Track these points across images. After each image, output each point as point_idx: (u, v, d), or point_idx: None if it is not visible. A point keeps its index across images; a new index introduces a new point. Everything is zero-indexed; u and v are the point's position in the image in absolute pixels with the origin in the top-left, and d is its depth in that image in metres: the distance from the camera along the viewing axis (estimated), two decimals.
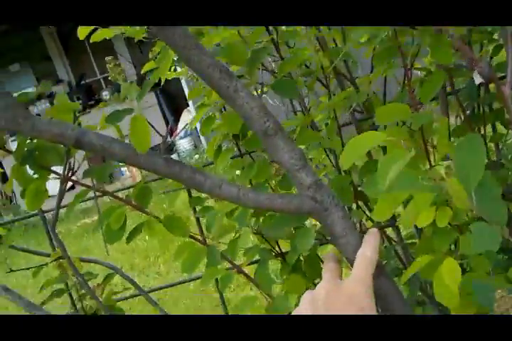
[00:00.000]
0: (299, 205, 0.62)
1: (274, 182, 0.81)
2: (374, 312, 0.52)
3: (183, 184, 0.60)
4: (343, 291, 0.53)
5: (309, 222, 0.73)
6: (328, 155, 1.01)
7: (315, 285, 0.77)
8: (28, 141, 0.61)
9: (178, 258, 0.67)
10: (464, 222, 0.51)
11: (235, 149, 0.87)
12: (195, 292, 2.84)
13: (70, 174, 0.61)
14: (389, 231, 1.11)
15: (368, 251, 0.58)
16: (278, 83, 0.79)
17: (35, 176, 0.62)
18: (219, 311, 2.66)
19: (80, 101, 7.02)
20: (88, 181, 0.68)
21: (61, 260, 0.88)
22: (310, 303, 0.54)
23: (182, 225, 0.65)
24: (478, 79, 0.83)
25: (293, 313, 0.55)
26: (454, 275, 0.50)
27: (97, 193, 0.65)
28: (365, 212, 0.94)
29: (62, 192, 0.59)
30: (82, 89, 7.28)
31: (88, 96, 7.24)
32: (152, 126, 0.59)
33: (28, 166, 0.62)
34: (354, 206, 0.99)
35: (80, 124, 0.60)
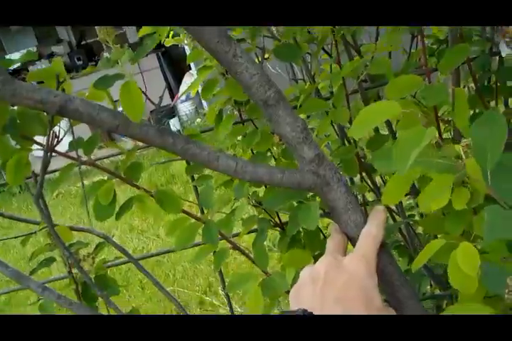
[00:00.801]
0: (300, 180, 0.59)
1: (277, 151, 0.77)
2: (375, 292, 0.50)
3: (177, 155, 0.56)
4: (345, 269, 0.51)
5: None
6: (332, 125, 0.97)
7: (314, 258, 0.75)
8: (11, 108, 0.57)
9: (171, 235, 0.64)
10: (480, 204, 0.48)
11: (237, 115, 0.83)
12: (193, 255, 2.85)
13: (54, 144, 0.57)
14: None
15: (374, 228, 0.56)
16: (280, 48, 0.74)
17: (18, 147, 0.58)
18: (217, 274, 2.69)
19: (81, 62, 6.88)
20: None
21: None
22: (309, 281, 0.52)
23: (174, 201, 0.62)
24: (504, 51, 0.78)
25: (291, 290, 0.53)
26: (471, 260, 0.47)
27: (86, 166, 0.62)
28: (368, 185, 0.90)
29: (45, 163, 0.55)
30: (83, 50, 7.13)
31: (89, 57, 7.09)
32: (144, 93, 0.55)
33: (9, 136, 0.58)
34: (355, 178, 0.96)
35: (64, 90, 0.55)
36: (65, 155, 0.59)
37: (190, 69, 5.99)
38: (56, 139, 0.56)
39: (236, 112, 0.79)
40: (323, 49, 1.08)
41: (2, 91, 0.49)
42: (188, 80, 6.17)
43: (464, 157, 0.44)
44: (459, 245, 0.49)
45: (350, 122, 0.90)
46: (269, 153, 0.78)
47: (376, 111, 0.47)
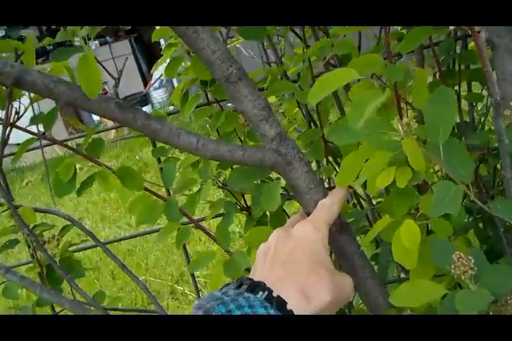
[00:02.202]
0: (262, 158, 0.59)
1: (243, 133, 0.77)
2: (324, 254, 0.50)
3: (138, 131, 0.56)
4: (293, 236, 0.51)
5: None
6: (300, 108, 0.97)
7: None
8: None
9: (133, 212, 0.64)
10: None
11: (203, 96, 0.82)
12: (165, 245, 2.84)
13: (15, 119, 0.56)
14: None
15: (329, 201, 0.56)
16: (245, 27, 0.74)
17: None
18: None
19: (51, 47, 6.74)
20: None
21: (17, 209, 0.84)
22: (262, 255, 0.52)
23: (136, 178, 0.61)
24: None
25: (252, 269, 0.53)
26: (412, 237, 0.49)
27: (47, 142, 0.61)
28: (335, 168, 0.91)
29: (4, 139, 0.54)
30: (52, 34, 6.97)
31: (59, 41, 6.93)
32: (117, 79, 0.54)
33: None
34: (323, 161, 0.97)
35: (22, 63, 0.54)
36: (25, 130, 0.58)
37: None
38: (16, 115, 0.55)
39: (202, 93, 0.79)
40: (295, 32, 1.08)
41: None
42: (161, 67, 6.11)
43: (401, 134, 0.45)
44: (402, 223, 0.50)
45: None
46: (234, 134, 0.77)
47: (334, 77, 0.48)
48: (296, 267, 0.48)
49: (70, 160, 0.59)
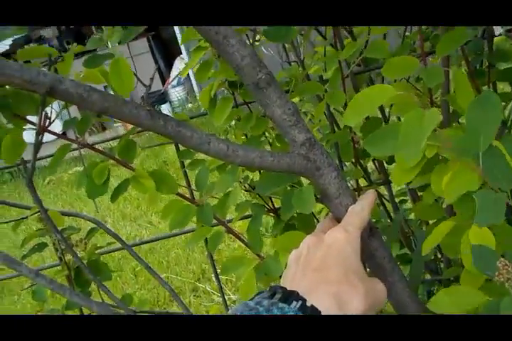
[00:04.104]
0: (291, 164, 0.59)
1: (271, 136, 0.76)
2: (355, 260, 0.49)
3: (168, 138, 0.56)
4: (324, 242, 0.51)
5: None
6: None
7: None
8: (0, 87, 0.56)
9: (166, 217, 0.64)
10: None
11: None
12: (186, 242, 2.85)
13: (46, 124, 0.56)
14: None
15: (359, 206, 0.56)
16: (271, 29, 0.73)
17: (10, 126, 0.58)
18: (209, 260, 2.70)
19: (70, 46, 6.80)
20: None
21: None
22: (294, 261, 0.51)
23: (170, 181, 0.62)
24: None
25: (282, 276, 0.53)
26: (486, 240, 0.46)
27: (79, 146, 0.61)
28: (365, 171, 0.90)
29: (38, 144, 0.54)
30: (72, 33, 7.05)
31: (78, 40, 7.01)
32: (136, 76, 0.54)
33: (1, 115, 0.57)
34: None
35: (56, 71, 0.54)
36: (59, 135, 0.58)
37: (180, 53, 5.93)
38: (48, 120, 0.55)
39: (230, 95, 0.78)
40: (318, 30, 1.07)
41: None
42: (179, 65, 6.11)
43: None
44: (470, 226, 0.47)
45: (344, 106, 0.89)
46: (263, 138, 0.77)
47: (370, 96, 0.47)
48: (328, 275, 0.47)
49: (104, 164, 0.60)
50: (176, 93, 6.23)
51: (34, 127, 0.57)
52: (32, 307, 2.65)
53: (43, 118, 0.54)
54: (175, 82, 6.22)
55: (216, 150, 0.56)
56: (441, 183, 0.46)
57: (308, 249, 0.51)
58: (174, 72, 6.18)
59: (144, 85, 0.51)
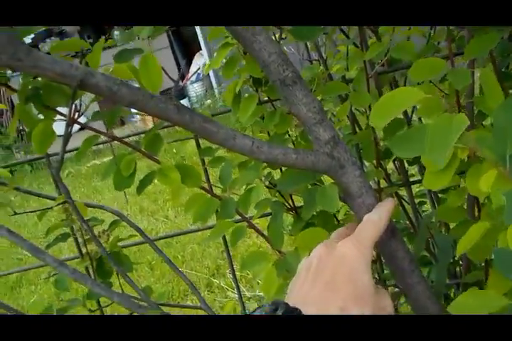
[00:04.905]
0: (315, 161, 0.59)
1: (294, 133, 0.77)
2: (365, 275, 0.48)
3: (194, 133, 0.57)
4: (336, 253, 0.50)
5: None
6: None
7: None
8: (33, 79, 0.57)
9: (189, 210, 0.65)
10: None
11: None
12: (201, 238, 2.87)
13: (76, 116, 0.58)
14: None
15: (376, 215, 0.55)
16: (298, 27, 0.74)
17: (41, 117, 0.59)
18: (225, 256, 2.71)
19: (91, 40, 6.88)
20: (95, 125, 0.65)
21: (67, 204, 0.87)
22: (304, 270, 0.51)
23: (195, 175, 0.63)
24: None
25: (291, 282, 0.52)
26: None
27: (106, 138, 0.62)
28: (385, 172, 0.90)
29: (67, 136, 0.56)
30: (93, 28, 7.12)
31: (98, 34, 7.08)
32: (164, 70, 0.55)
33: (33, 106, 0.59)
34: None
35: (87, 64, 0.56)
36: (88, 127, 0.59)
37: (200, 49, 5.95)
38: (77, 113, 0.56)
39: (254, 93, 0.79)
40: (341, 29, 1.07)
41: (24, 62, 0.49)
42: (198, 61, 6.14)
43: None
44: (505, 229, 0.47)
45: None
46: (286, 136, 0.77)
47: (398, 98, 0.47)
48: (337, 289, 0.47)
49: (131, 156, 0.61)
50: (194, 89, 6.26)
51: (64, 118, 0.58)
52: (49, 297, 2.70)
53: (72, 110, 0.55)
54: (194, 78, 6.24)
55: (241, 146, 0.57)
56: (477, 184, 0.46)
57: (319, 259, 0.50)
58: (193, 68, 6.21)
59: (173, 80, 0.52)
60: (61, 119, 0.58)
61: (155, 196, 3.71)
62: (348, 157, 0.60)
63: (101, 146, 4.29)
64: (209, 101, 5.99)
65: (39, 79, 0.58)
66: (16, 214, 0.80)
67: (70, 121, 0.56)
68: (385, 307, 0.49)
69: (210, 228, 1.17)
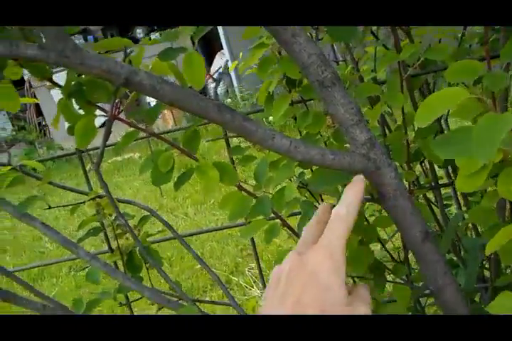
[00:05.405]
0: (351, 163, 0.59)
1: (326, 134, 0.77)
2: (338, 291, 0.45)
3: (233, 132, 0.57)
4: (306, 266, 0.46)
5: None
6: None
7: (361, 241, 0.75)
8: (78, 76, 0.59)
9: (224, 207, 0.66)
10: None
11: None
12: (221, 236, 2.89)
13: (116, 112, 0.59)
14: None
15: (344, 209, 0.50)
16: (336, 27, 0.74)
17: (81, 112, 0.60)
18: (244, 254, 2.73)
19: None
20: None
21: (97, 199, 0.88)
22: (275, 281, 0.49)
23: (232, 173, 0.63)
24: None
25: (264, 295, 0.50)
26: None
27: (144, 134, 0.63)
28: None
29: (108, 131, 0.57)
30: (116, 26, 7.21)
31: (122, 32, 7.17)
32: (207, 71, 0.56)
33: (74, 101, 0.60)
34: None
35: (130, 62, 0.57)
36: (128, 123, 0.60)
37: (221, 48, 5.97)
38: (117, 109, 0.58)
39: (287, 93, 0.79)
40: (371, 31, 1.07)
41: (71, 59, 0.50)
42: (219, 60, 6.16)
43: None
44: None
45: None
46: (318, 136, 0.78)
47: (443, 97, 0.47)
48: (305, 310, 0.44)
49: (169, 153, 0.62)
50: (215, 87, 6.29)
51: (105, 114, 0.60)
52: (70, 290, 2.74)
53: (114, 106, 0.56)
54: (215, 77, 6.27)
55: (279, 146, 0.57)
56: (509, 187, 0.46)
57: (289, 272, 0.47)
58: (215, 67, 6.23)
59: (213, 79, 0.53)
60: (102, 115, 0.60)
61: (174, 193, 3.74)
62: (384, 159, 0.60)
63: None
64: (229, 99, 6.02)
65: (83, 76, 0.59)
66: (50, 208, 0.82)
67: (112, 117, 0.57)
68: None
69: (232, 227, 1.18)
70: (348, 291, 0.47)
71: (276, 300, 0.46)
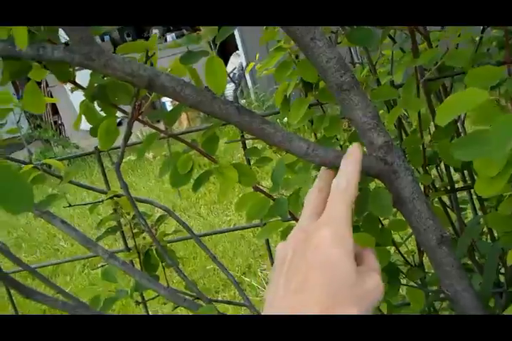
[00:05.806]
0: (368, 166, 0.60)
1: (342, 137, 0.78)
2: (346, 266, 0.43)
3: (251, 134, 0.58)
4: (311, 244, 0.44)
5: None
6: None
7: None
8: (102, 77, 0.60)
9: (241, 208, 0.66)
10: None
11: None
12: (233, 236, 2.90)
13: (137, 114, 0.60)
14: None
15: (344, 180, 0.49)
16: (355, 31, 0.74)
17: (103, 113, 0.61)
18: (256, 254, 2.74)
19: (130, 38, 7.00)
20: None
21: (115, 198, 0.89)
22: (280, 261, 0.47)
23: (250, 174, 0.64)
24: None
25: (271, 271, 0.49)
26: None
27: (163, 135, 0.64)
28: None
29: (129, 132, 0.58)
30: (132, 26, 7.27)
31: (138, 32, 7.22)
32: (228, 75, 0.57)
33: (96, 103, 0.61)
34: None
35: (152, 64, 0.58)
36: (149, 124, 0.62)
37: (236, 49, 5.98)
38: (138, 111, 0.59)
39: (303, 96, 0.80)
40: (388, 34, 1.07)
41: (96, 62, 0.51)
42: (234, 61, 6.17)
43: None
44: None
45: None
46: (334, 139, 0.78)
47: (463, 98, 0.47)
48: (311, 297, 0.42)
49: (188, 154, 0.63)
50: (228, 90, 6.30)
51: (126, 116, 0.61)
52: (83, 288, 2.76)
53: (136, 108, 0.58)
54: (228, 79, 6.27)
55: (297, 149, 0.58)
56: None
57: (294, 251, 0.46)
58: (229, 68, 6.25)
59: (234, 82, 0.54)
60: (123, 116, 0.61)
61: (187, 193, 3.75)
62: (401, 163, 0.61)
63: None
64: (244, 101, 6.03)
65: (105, 78, 0.60)
66: (70, 206, 0.83)
67: (133, 119, 0.58)
68: (372, 291, 0.44)
69: (246, 227, 1.19)
70: (356, 258, 0.45)
71: (280, 290, 0.44)
